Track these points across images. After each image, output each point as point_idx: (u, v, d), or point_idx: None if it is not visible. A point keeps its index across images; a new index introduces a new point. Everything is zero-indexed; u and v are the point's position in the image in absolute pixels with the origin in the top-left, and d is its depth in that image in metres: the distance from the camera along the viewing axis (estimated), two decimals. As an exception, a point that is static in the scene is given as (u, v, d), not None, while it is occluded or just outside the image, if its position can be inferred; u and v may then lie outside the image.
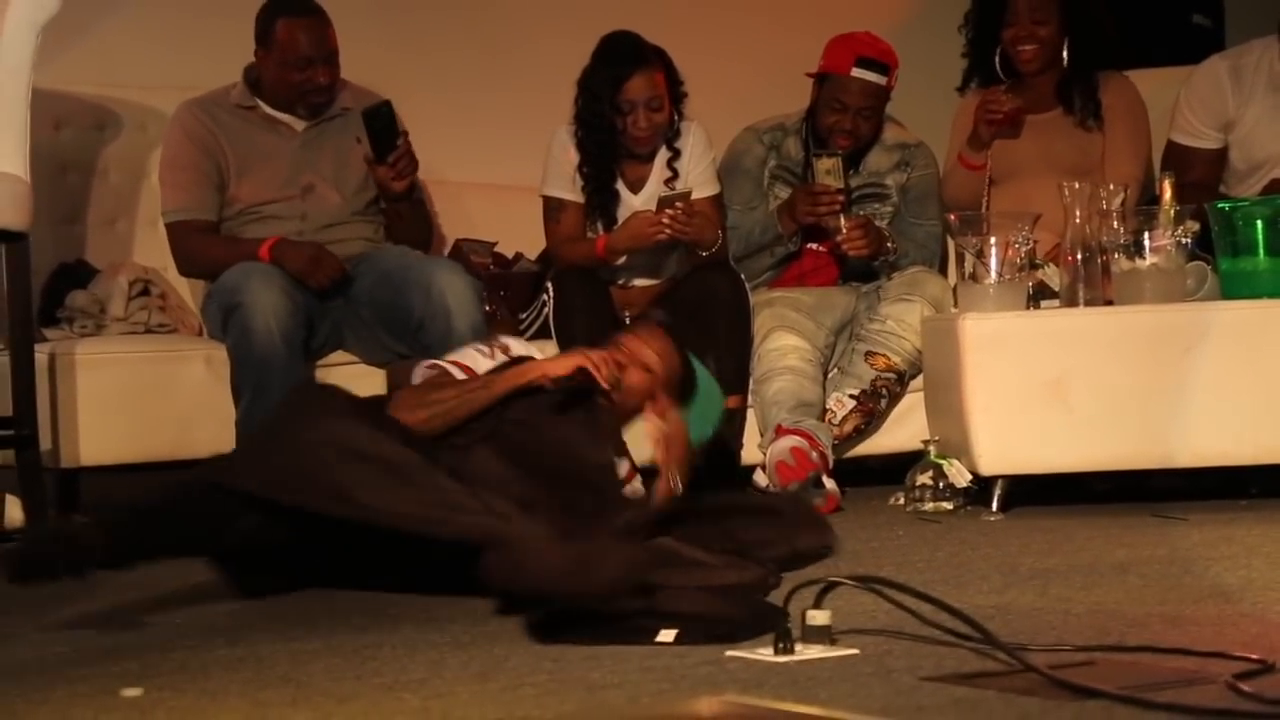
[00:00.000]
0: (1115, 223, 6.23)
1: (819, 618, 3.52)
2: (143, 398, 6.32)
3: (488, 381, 4.93)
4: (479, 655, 3.79)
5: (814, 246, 7.06)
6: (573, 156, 6.91)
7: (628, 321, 6.73)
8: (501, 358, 5.12)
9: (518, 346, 5.27)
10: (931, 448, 6.37)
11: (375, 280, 6.47)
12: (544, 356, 5.16)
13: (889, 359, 6.70)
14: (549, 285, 6.72)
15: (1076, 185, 6.41)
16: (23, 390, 5.62)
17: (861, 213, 6.98)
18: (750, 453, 6.72)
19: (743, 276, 6.81)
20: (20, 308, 5.68)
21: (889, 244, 6.97)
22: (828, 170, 6.90)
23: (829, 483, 6.40)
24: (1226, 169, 7.12)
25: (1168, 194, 6.32)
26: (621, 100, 6.79)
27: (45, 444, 6.03)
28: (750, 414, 6.79)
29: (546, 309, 6.70)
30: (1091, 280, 6.22)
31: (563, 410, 5.04)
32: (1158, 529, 5.58)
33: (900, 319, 6.72)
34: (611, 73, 6.79)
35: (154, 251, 6.94)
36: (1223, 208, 6.24)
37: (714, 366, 6.34)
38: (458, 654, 3.81)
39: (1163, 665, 3.19)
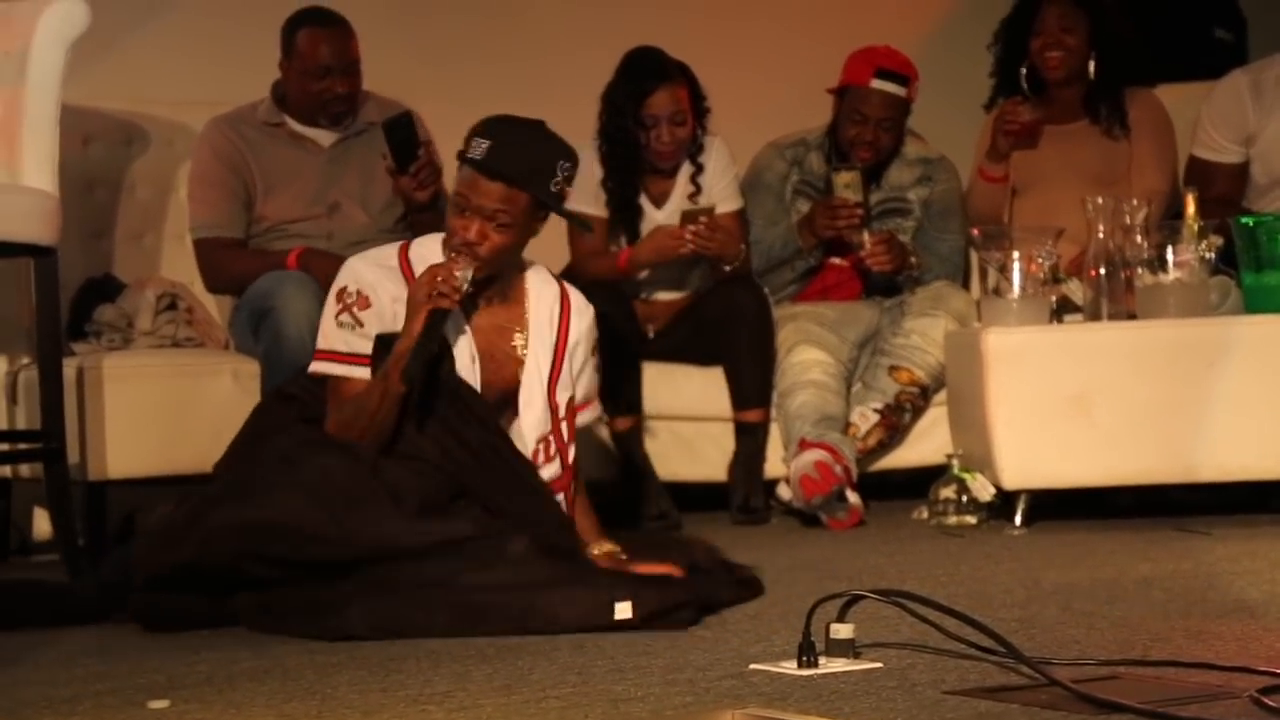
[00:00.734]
0: (1139, 237, 6.22)
1: (843, 631, 3.54)
2: (170, 411, 6.30)
3: (377, 380, 4.79)
4: (503, 668, 3.79)
5: (836, 261, 7.05)
6: (596, 171, 6.90)
7: (650, 335, 6.77)
8: (352, 321, 4.91)
9: (365, 274, 4.97)
10: (955, 462, 6.39)
11: None
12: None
13: (912, 373, 6.70)
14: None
15: (1100, 200, 6.40)
16: (51, 404, 5.60)
17: (884, 227, 6.97)
18: (773, 466, 6.70)
19: (766, 291, 6.79)
20: (49, 322, 5.65)
21: (912, 259, 6.96)
22: (846, 184, 6.92)
23: (852, 496, 6.41)
24: (1248, 184, 7.09)
25: (1191, 208, 6.31)
26: (645, 115, 6.82)
27: (73, 457, 5.99)
28: (773, 428, 6.76)
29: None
30: (1115, 294, 6.22)
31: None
32: (1181, 543, 5.59)
33: (924, 333, 6.73)
34: (635, 88, 6.82)
35: (181, 266, 6.95)
36: (1247, 223, 6.24)
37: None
38: (482, 666, 3.81)
39: (1187, 680, 3.19)
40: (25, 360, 6.35)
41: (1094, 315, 6.28)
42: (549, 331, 5.02)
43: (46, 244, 5.55)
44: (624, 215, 6.95)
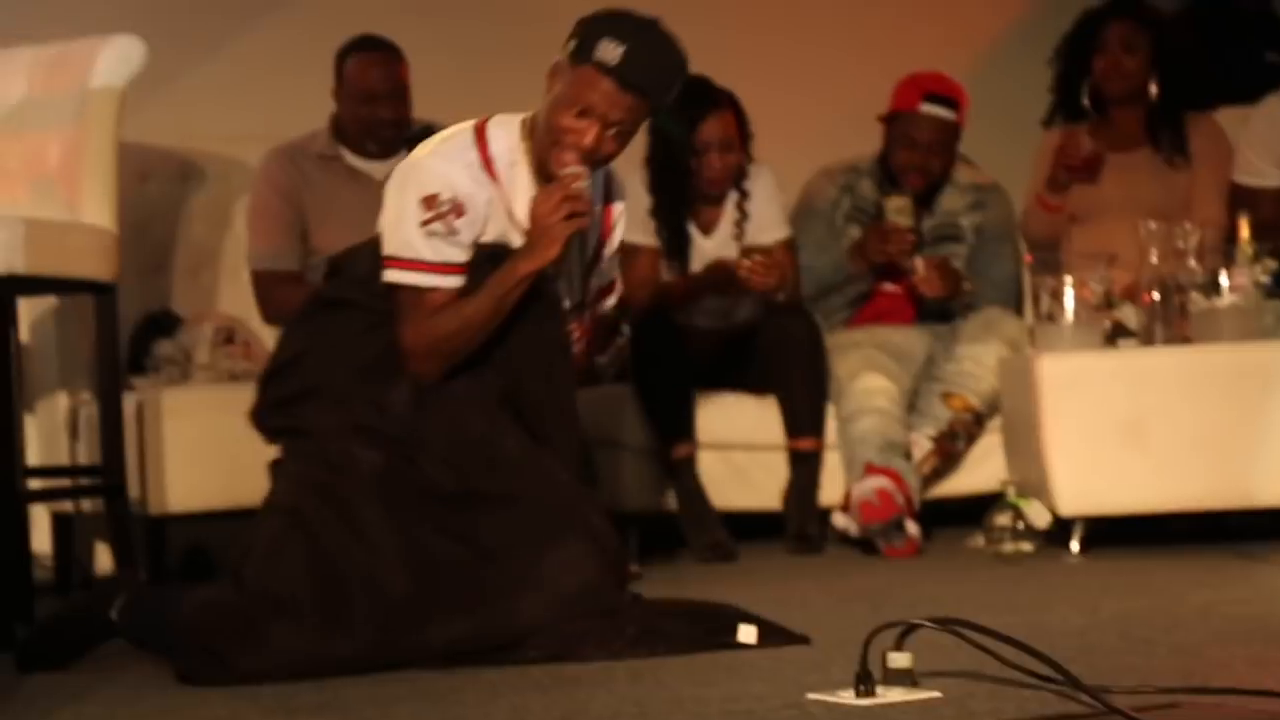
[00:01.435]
0: (1192, 262, 6.21)
1: (900, 660, 3.47)
2: (229, 445, 6.22)
3: (488, 298, 4.54)
4: (561, 698, 3.76)
5: (888, 287, 7.07)
6: (644, 200, 6.95)
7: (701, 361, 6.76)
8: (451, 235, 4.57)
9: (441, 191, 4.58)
10: (1010, 489, 6.33)
11: None
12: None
13: (966, 400, 6.69)
14: (625, 331, 6.73)
15: (1153, 225, 6.39)
16: (111, 439, 5.63)
17: (936, 253, 6.98)
18: (828, 494, 6.69)
19: (817, 319, 6.82)
20: (108, 357, 5.69)
21: (964, 284, 6.97)
22: (898, 209, 6.94)
23: (912, 527, 6.42)
24: None
25: (1245, 233, 6.31)
26: (695, 142, 6.84)
27: (134, 492, 6.02)
28: (827, 456, 6.74)
29: (625, 354, 6.71)
30: (1169, 319, 6.19)
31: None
32: (1240, 569, 5.58)
33: (977, 359, 6.72)
34: (684, 116, 6.81)
35: (238, 300, 6.98)
36: (1313, 245, 6.23)
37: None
38: (540, 697, 3.78)
39: (1248, 708, 3.09)
40: (86, 395, 6.39)
41: (1148, 340, 6.26)
42: (598, 221, 4.88)
43: (106, 280, 5.58)
44: (674, 243, 6.98)
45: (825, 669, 3.67)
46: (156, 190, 7.01)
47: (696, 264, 6.97)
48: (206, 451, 6.32)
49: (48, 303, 6.54)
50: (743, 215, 6.98)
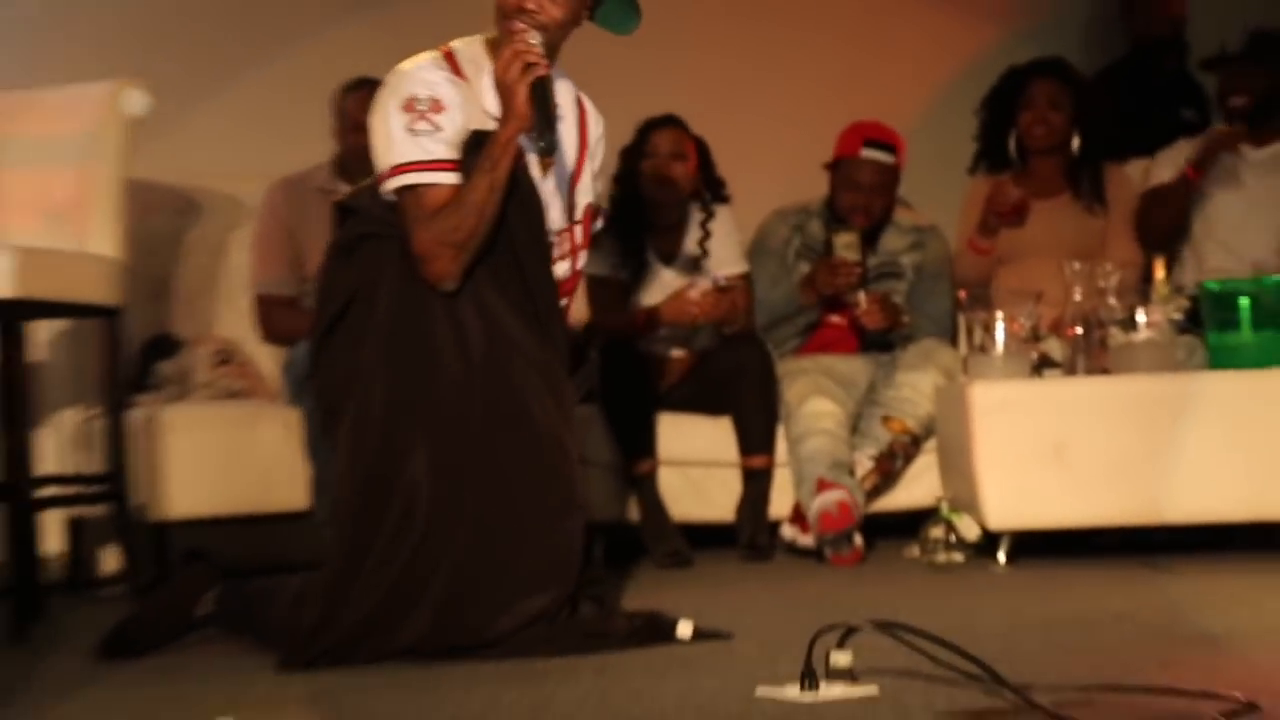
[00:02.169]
0: (1112, 300, 6.28)
1: (842, 659, 3.51)
2: (226, 457, 6.37)
3: (481, 175, 4.43)
4: (530, 691, 3.77)
5: (834, 319, 7.10)
6: (609, 237, 6.92)
7: (663, 389, 6.83)
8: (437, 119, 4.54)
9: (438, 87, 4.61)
10: (943, 504, 6.40)
11: None
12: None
13: (904, 423, 6.74)
14: (594, 357, 6.77)
15: (1077, 265, 6.46)
16: (117, 450, 5.67)
17: (878, 289, 7.03)
18: (776, 508, 6.74)
19: (769, 347, 6.86)
20: (114, 376, 5.74)
21: (903, 318, 7.04)
22: (846, 245, 6.97)
23: (857, 538, 6.44)
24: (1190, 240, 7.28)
25: (1160, 273, 6.37)
26: (647, 148, 6.96)
27: (138, 498, 6.09)
28: (777, 472, 6.78)
29: (591, 380, 6.74)
30: (1090, 352, 6.29)
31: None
32: (1151, 580, 5.61)
33: (915, 386, 6.77)
34: (641, 131, 6.99)
35: (234, 325, 7.02)
36: (1212, 288, 6.30)
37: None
38: (511, 690, 3.80)
39: (1156, 705, 3.20)
40: (95, 411, 6.37)
41: (1071, 371, 6.35)
42: (571, 133, 4.86)
43: (112, 305, 5.63)
44: (632, 270, 7.03)
45: (773, 666, 3.69)
46: (159, 223, 7.06)
47: (657, 292, 6.97)
48: (204, 462, 6.37)
49: (61, 325, 6.55)
50: (704, 252, 7.02)
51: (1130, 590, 5.34)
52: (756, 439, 6.69)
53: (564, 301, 4.84)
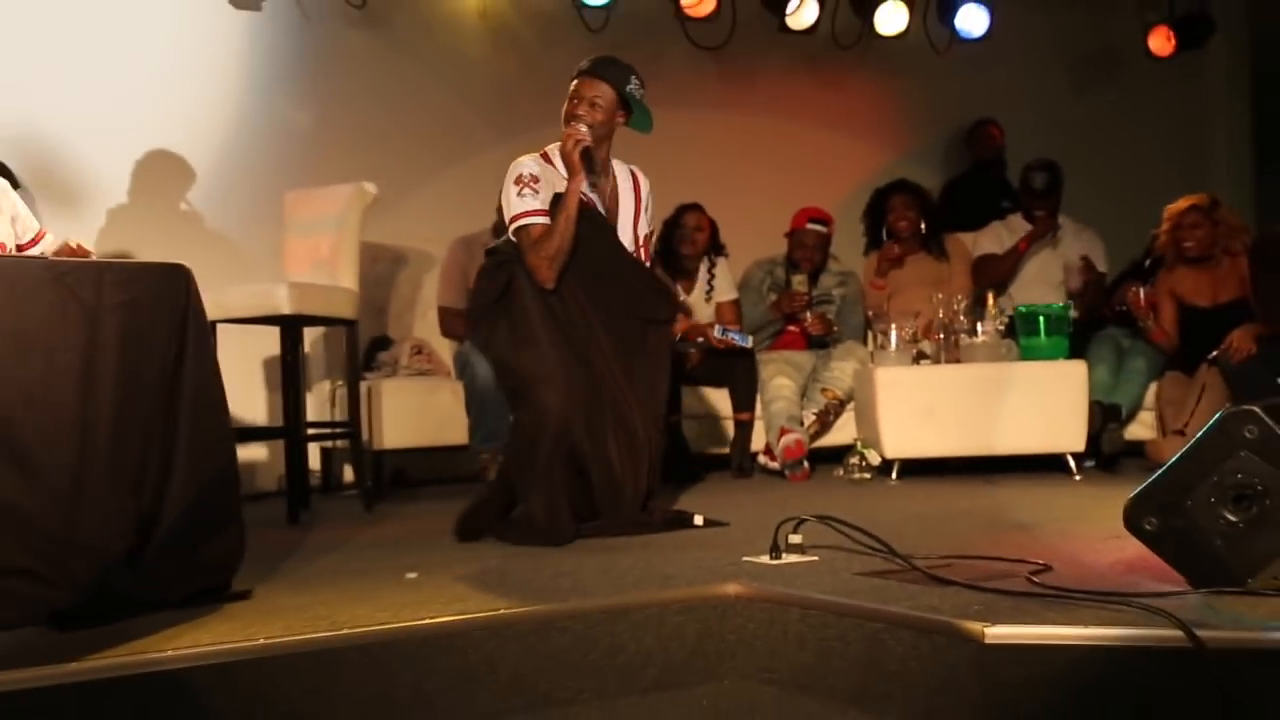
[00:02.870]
0: (961, 316, 6.34)
1: (795, 538, 3.63)
2: (417, 411, 6.43)
3: (560, 214, 4.55)
4: (601, 559, 3.83)
5: (791, 328, 7.08)
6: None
7: (688, 368, 6.71)
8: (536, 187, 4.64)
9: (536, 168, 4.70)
10: (859, 442, 6.44)
11: None
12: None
13: (835, 392, 6.79)
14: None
15: (939, 295, 6.50)
16: (352, 407, 5.70)
17: (819, 309, 7.05)
18: (754, 444, 6.70)
19: (750, 343, 6.76)
20: (352, 360, 5.79)
21: (834, 328, 7.05)
22: (798, 283, 7.03)
23: (806, 464, 6.44)
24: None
25: (990, 301, 6.47)
26: (680, 222, 6.93)
27: (366, 437, 6.11)
28: (758, 424, 6.74)
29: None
30: (948, 349, 6.33)
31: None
32: (984, 489, 5.60)
33: (841, 370, 6.82)
34: (677, 211, 6.93)
35: (424, 330, 6.99)
36: (1023, 310, 6.35)
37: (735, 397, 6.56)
38: (589, 558, 3.87)
39: (988, 567, 3.28)
40: (340, 382, 6.47)
41: (936, 361, 6.36)
42: (629, 191, 4.85)
43: (351, 318, 5.66)
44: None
45: (753, 544, 3.74)
46: (381, 269, 7.09)
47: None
48: (405, 414, 6.44)
49: (321, 331, 6.63)
50: (710, 287, 6.97)
51: (972, 495, 5.37)
52: (744, 402, 6.65)
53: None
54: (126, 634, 2.88)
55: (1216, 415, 2.91)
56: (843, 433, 6.77)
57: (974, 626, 2.63)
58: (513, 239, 4.58)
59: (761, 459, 6.71)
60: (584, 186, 4.60)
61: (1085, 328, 6.70)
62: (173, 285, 3.38)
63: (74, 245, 3.98)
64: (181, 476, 3.29)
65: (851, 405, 6.79)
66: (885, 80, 8.48)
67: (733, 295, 7.06)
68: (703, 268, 7.04)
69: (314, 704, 2.73)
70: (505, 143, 6.27)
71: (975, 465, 6.25)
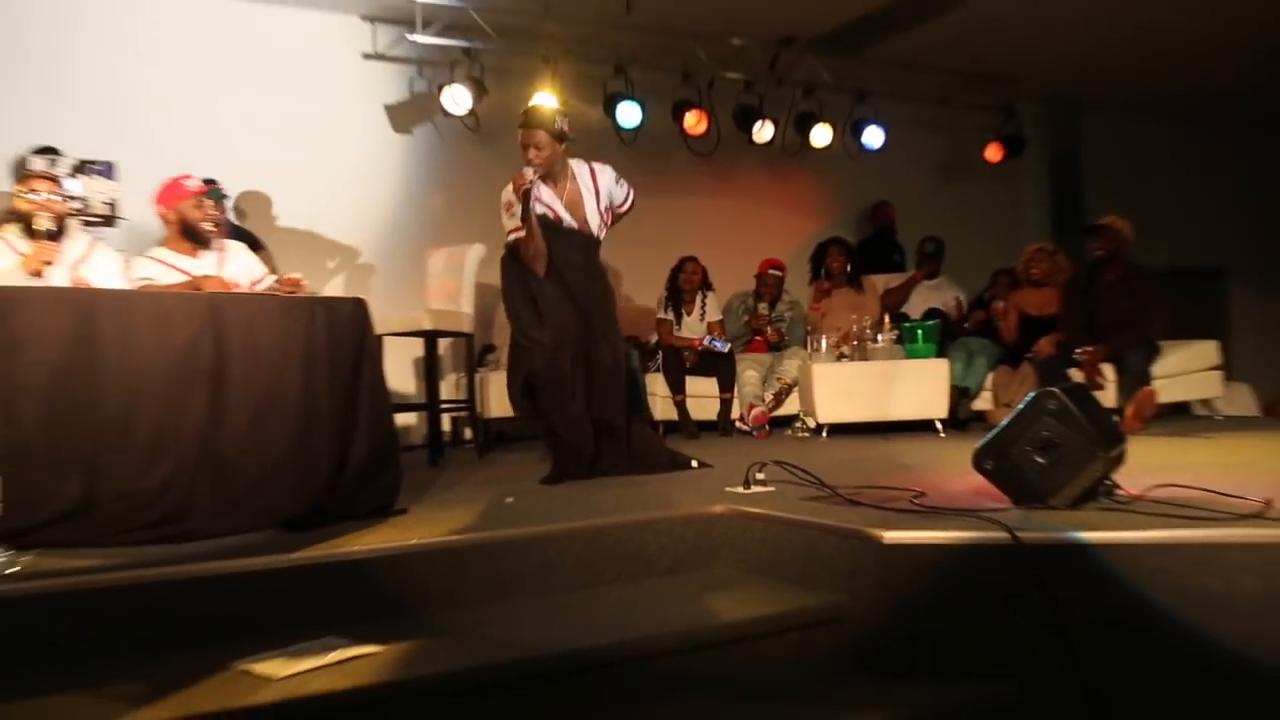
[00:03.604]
0: (869, 330, 6.28)
1: (760, 476, 3.59)
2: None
3: (528, 227, 4.24)
4: (615, 492, 3.70)
5: (758, 338, 6.96)
6: (663, 302, 6.89)
7: (688, 365, 6.64)
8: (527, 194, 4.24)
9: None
10: (802, 412, 6.38)
11: None
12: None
13: (785, 380, 6.64)
14: (661, 353, 6.77)
15: (854, 316, 6.44)
16: (470, 389, 5.72)
17: (776, 326, 6.97)
18: (733, 414, 6.60)
19: (731, 348, 6.73)
20: (469, 360, 5.74)
21: (786, 339, 6.96)
22: (762, 308, 6.96)
23: (767, 427, 6.37)
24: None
25: (887, 320, 6.41)
26: (682, 269, 6.82)
27: (478, 408, 6.01)
28: (735, 401, 6.65)
29: (657, 362, 6.77)
30: (861, 351, 6.24)
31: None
32: (873, 444, 5.48)
33: (790, 364, 6.68)
34: (681, 261, 6.81)
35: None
36: (905, 324, 6.30)
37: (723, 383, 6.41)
38: (607, 490, 3.75)
39: (886, 493, 3.24)
40: (461, 374, 6.34)
41: (853, 359, 6.23)
42: (588, 182, 4.38)
43: (469, 333, 5.65)
44: (676, 318, 6.84)
45: (732, 480, 3.66)
46: (487, 301, 6.61)
47: (684, 329, 6.81)
48: (504, 394, 6.03)
49: (449, 340, 6.42)
50: (704, 310, 6.86)
51: (874, 447, 5.29)
52: (725, 385, 6.57)
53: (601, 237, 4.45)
54: (329, 535, 2.96)
55: (1031, 394, 2.97)
56: (790, 406, 6.63)
57: (876, 532, 2.66)
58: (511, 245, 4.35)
59: (738, 424, 6.57)
60: (538, 206, 4.28)
61: (948, 338, 6.65)
62: (356, 312, 3.46)
63: (294, 278, 4.02)
64: (362, 435, 3.37)
65: (796, 388, 6.65)
66: (817, 176, 8.44)
67: (718, 317, 6.86)
68: (698, 298, 6.86)
69: (449, 582, 2.79)
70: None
71: (876, 427, 6.14)
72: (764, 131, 7.92)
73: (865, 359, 6.23)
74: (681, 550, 3.07)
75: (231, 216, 6.27)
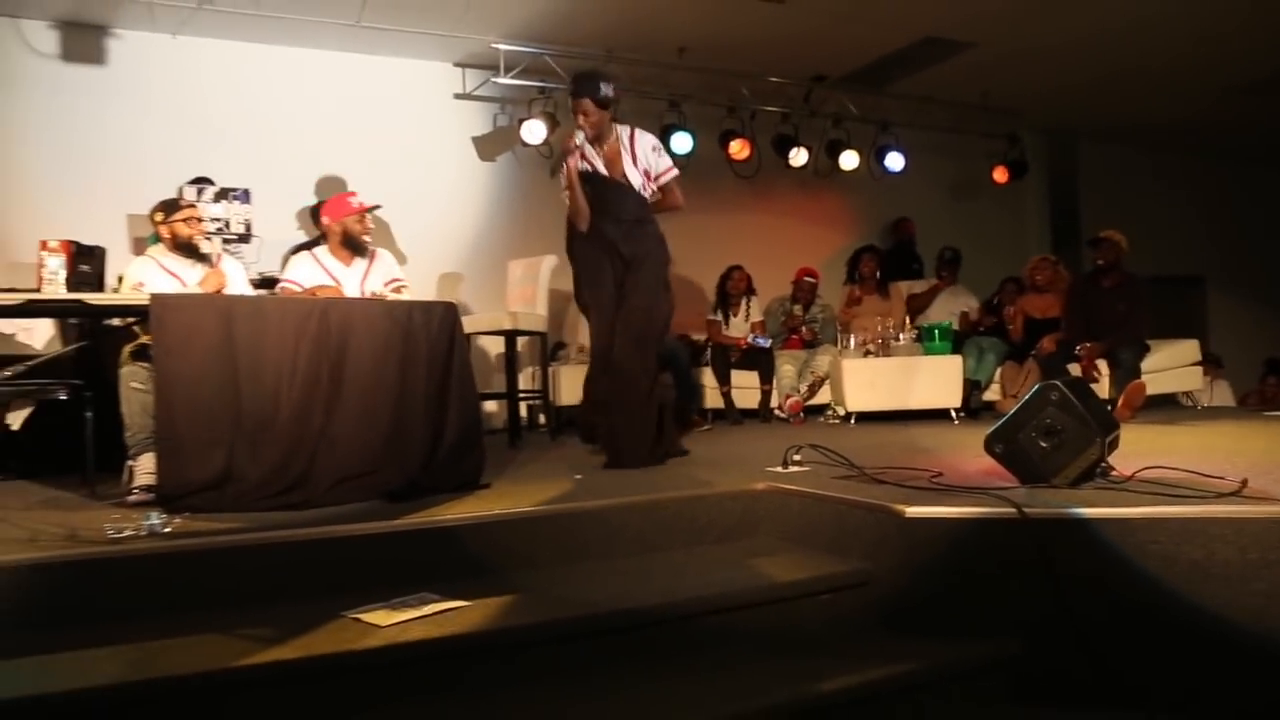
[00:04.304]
0: (892, 329, 6.23)
1: (796, 457, 3.57)
2: (580, 383, 6.10)
3: (571, 188, 3.96)
4: (647, 480, 3.50)
5: (794, 337, 6.87)
6: (712, 304, 6.84)
7: (733, 359, 6.61)
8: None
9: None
10: (833, 402, 6.31)
11: None
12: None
13: (818, 374, 6.55)
14: (709, 349, 6.78)
15: (879, 317, 6.38)
16: (544, 380, 5.70)
17: (810, 325, 6.90)
18: (773, 403, 6.53)
19: (771, 345, 6.68)
20: (544, 357, 5.73)
21: (819, 337, 6.86)
22: (798, 310, 6.86)
23: (802, 414, 6.32)
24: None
25: (909, 322, 6.36)
26: (730, 275, 6.77)
27: (551, 397, 5.99)
28: (774, 391, 6.60)
29: (705, 358, 6.77)
30: (886, 348, 6.19)
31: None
32: (903, 429, 5.42)
33: (822, 360, 6.58)
34: (728, 270, 6.77)
35: (584, 338, 6.44)
36: (923, 325, 6.27)
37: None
38: (643, 478, 3.55)
39: (907, 474, 3.19)
40: (536, 369, 6.32)
41: (878, 355, 6.17)
42: (627, 145, 4.00)
43: (544, 332, 5.64)
44: (724, 318, 6.79)
45: (772, 461, 3.61)
46: (559, 304, 6.58)
47: (732, 329, 6.75)
48: (574, 385, 5.91)
49: (526, 338, 6.27)
50: (748, 311, 6.81)
51: (895, 433, 5.19)
52: (766, 377, 6.52)
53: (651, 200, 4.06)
54: (424, 506, 2.99)
55: (1035, 386, 2.92)
56: (822, 397, 6.52)
57: (899, 507, 2.63)
58: None
59: (776, 412, 6.49)
60: (582, 163, 3.97)
61: (961, 338, 6.58)
62: (448, 313, 3.49)
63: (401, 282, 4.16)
64: (453, 420, 3.40)
65: (827, 381, 6.55)
66: (845, 195, 8.36)
67: (760, 318, 6.82)
68: (743, 302, 6.79)
69: (525, 547, 2.81)
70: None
71: (898, 415, 6.06)
72: (799, 157, 7.90)
73: (889, 355, 6.18)
74: (728, 522, 3.05)
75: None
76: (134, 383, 3.36)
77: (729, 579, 2.60)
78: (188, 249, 3.92)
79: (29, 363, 3.17)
